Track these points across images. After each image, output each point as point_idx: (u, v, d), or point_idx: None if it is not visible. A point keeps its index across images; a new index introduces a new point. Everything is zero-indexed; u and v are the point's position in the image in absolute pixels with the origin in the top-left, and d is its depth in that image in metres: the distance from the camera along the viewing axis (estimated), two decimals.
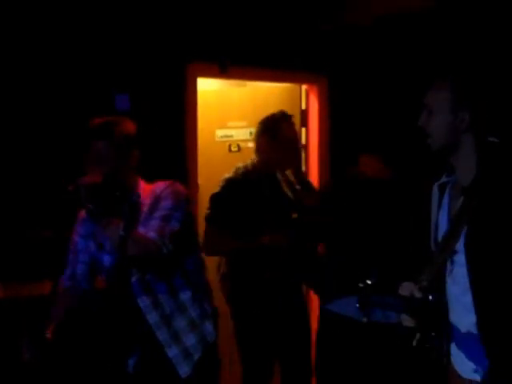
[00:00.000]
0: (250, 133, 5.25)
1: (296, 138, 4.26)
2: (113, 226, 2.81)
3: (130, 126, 2.99)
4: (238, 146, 5.30)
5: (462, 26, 4.81)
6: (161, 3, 4.51)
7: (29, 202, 4.05)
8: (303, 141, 5.23)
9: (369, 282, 2.20)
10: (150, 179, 3.09)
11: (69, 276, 3.08)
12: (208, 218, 4.12)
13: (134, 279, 2.94)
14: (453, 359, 2.31)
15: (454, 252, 2.23)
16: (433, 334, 2.18)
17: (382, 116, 5.12)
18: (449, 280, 2.28)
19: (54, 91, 4.20)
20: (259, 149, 4.19)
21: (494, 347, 2.15)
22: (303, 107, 5.30)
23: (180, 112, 4.66)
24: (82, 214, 3.01)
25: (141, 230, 2.86)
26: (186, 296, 2.98)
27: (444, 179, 2.40)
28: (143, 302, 2.93)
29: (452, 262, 2.25)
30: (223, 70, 4.76)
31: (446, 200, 2.37)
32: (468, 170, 2.25)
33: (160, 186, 2.99)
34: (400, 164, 4.70)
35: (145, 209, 2.94)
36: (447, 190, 2.38)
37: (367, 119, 5.12)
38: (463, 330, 2.24)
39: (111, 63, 4.37)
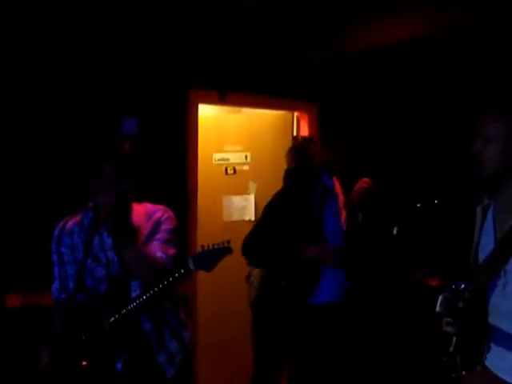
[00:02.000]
0: (246, 157, 5.56)
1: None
2: (132, 247, 3.01)
3: (127, 147, 3.19)
4: (234, 168, 5.56)
5: (450, 53, 5.09)
6: (165, 33, 4.74)
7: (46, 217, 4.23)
8: None
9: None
10: (152, 200, 3.29)
11: (60, 288, 3.22)
12: (257, 227, 4.39)
13: (133, 292, 3.10)
14: (489, 362, 2.43)
15: (505, 271, 2.36)
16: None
17: (371, 142, 5.39)
18: (498, 294, 2.39)
19: (65, 115, 4.38)
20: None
21: None
22: (295, 133, 5.56)
23: (182, 136, 4.89)
24: (70, 224, 3.18)
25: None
26: (167, 307, 3.25)
27: (486, 202, 2.53)
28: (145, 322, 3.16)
29: (505, 278, 2.37)
30: (222, 97, 5.05)
31: (489, 222, 2.49)
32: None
33: (155, 209, 3.21)
34: (389, 185, 5.01)
35: (145, 231, 3.12)
36: (489, 212, 2.50)
37: (356, 145, 5.39)
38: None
39: (120, 89, 4.58)
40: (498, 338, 2.40)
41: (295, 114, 5.58)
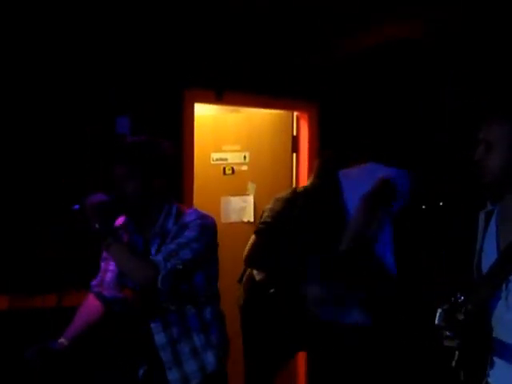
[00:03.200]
0: (244, 157, 5.49)
1: None
2: (116, 248, 2.86)
3: (164, 150, 3.00)
4: (232, 168, 5.49)
5: (450, 53, 5.01)
6: (161, 32, 4.69)
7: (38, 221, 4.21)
8: (294, 166, 5.46)
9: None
10: None
11: (97, 283, 3.12)
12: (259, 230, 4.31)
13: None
14: (492, 378, 2.37)
15: (508, 282, 2.27)
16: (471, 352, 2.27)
17: (371, 142, 5.32)
18: (501, 306, 2.32)
19: (58, 114, 4.35)
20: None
21: None
22: (294, 133, 5.49)
23: (178, 136, 4.81)
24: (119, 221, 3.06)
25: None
26: (194, 324, 2.98)
27: (489, 207, 2.45)
28: (154, 322, 2.96)
29: (507, 290, 2.29)
30: (219, 96, 4.98)
31: (492, 228, 2.41)
32: None
33: (191, 214, 2.97)
34: None
35: (171, 234, 2.94)
36: (493, 219, 2.41)
37: (356, 145, 5.32)
38: None
39: (114, 87, 4.53)
40: (501, 351, 2.33)
41: (295, 113, 5.51)
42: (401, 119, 5.31)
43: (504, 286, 2.28)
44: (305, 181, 5.39)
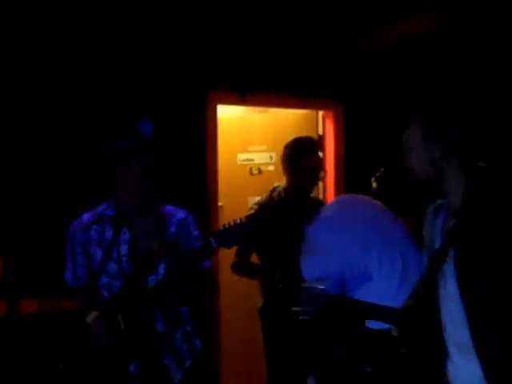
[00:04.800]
0: (270, 157, 5.51)
1: (317, 167, 4.33)
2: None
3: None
4: (259, 169, 5.54)
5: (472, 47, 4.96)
6: (185, 34, 4.75)
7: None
8: None
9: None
10: (173, 202, 3.36)
11: (74, 279, 3.29)
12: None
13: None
14: (451, 373, 2.34)
15: (443, 271, 2.29)
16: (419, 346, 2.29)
17: (396, 141, 5.29)
18: (442, 293, 2.32)
19: (82, 118, 4.43)
20: (284, 173, 4.38)
21: (487, 359, 2.20)
22: (320, 132, 5.51)
23: (201, 137, 4.88)
24: (86, 220, 3.24)
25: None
26: (185, 312, 3.28)
27: (438, 201, 2.48)
28: (157, 313, 3.16)
29: (444, 278, 2.30)
30: (242, 97, 5.02)
31: (439, 222, 2.44)
32: (458, 195, 2.32)
33: (176, 209, 3.31)
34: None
35: (169, 230, 3.22)
36: (441, 212, 2.45)
37: (381, 144, 5.30)
38: (462, 340, 2.27)
39: (137, 91, 4.60)
40: (451, 340, 2.32)
41: (320, 113, 5.51)
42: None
43: (441, 274, 2.30)
44: (330, 179, 5.42)
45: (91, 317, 3.10)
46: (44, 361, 3.94)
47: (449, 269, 2.27)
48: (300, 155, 4.20)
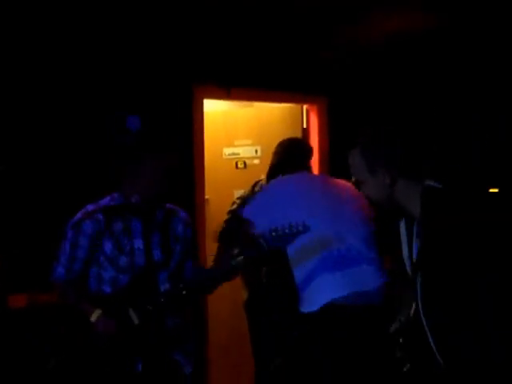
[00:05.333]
0: (256, 151, 5.56)
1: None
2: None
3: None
4: (245, 162, 5.59)
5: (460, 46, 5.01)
6: (170, 28, 4.77)
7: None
8: None
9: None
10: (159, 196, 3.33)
11: (66, 273, 3.20)
12: (219, 234, 4.43)
13: (162, 284, 3.13)
14: None
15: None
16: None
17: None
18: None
19: (70, 113, 4.44)
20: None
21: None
22: (304, 126, 5.56)
23: (188, 132, 4.91)
24: (91, 212, 3.15)
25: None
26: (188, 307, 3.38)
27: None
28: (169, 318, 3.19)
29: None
30: (228, 92, 5.06)
31: (415, 237, 2.41)
32: (416, 214, 2.30)
33: (179, 209, 3.33)
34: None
35: (176, 229, 3.26)
36: (414, 227, 2.40)
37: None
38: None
39: (123, 86, 4.63)
40: None
41: (304, 106, 5.57)
42: (411, 113, 5.35)
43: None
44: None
45: (95, 315, 3.03)
46: (36, 357, 4.00)
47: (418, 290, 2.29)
48: (292, 156, 4.20)
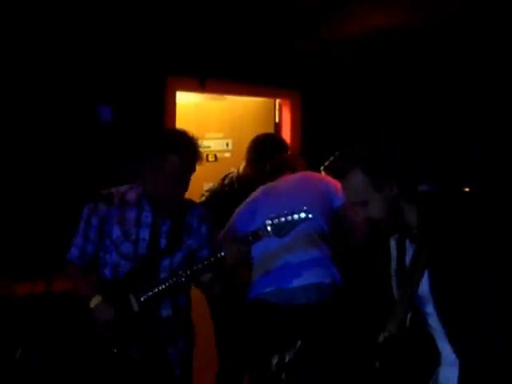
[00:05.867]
0: (227, 144, 5.54)
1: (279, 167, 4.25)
2: None
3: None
4: (215, 156, 5.55)
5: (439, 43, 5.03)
6: (143, 20, 4.71)
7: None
8: None
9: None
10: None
11: (80, 256, 3.23)
12: None
13: (163, 273, 3.14)
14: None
15: (419, 297, 2.29)
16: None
17: (352, 129, 5.37)
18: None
19: (41, 103, 4.39)
20: (245, 163, 4.43)
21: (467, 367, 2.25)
22: (277, 120, 5.55)
23: (160, 123, 4.87)
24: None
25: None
26: (182, 303, 3.24)
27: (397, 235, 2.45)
28: (164, 306, 3.16)
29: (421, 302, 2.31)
30: (201, 84, 5.02)
31: (409, 249, 2.38)
32: (414, 222, 2.28)
33: (197, 205, 3.37)
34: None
35: (192, 225, 3.23)
36: (407, 243, 2.39)
37: (337, 132, 5.38)
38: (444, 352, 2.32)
39: (96, 77, 4.58)
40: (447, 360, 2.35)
41: (277, 101, 5.55)
42: (384, 107, 5.37)
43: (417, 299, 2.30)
44: None
45: (94, 301, 3.07)
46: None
47: (424, 292, 2.27)
48: (268, 153, 4.20)
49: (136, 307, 3.05)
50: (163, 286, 3.05)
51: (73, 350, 3.12)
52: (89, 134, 4.54)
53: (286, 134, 5.50)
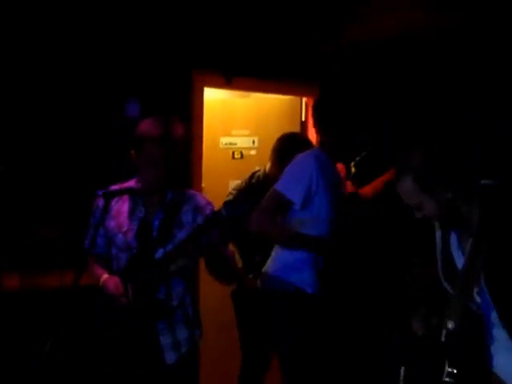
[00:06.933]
0: (253, 141, 5.54)
1: None
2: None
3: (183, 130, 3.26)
4: (241, 153, 5.56)
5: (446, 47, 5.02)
6: (172, 16, 4.74)
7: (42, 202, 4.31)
8: None
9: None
10: None
11: (90, 246, 3.27)
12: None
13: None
14: (499, 369, 2.39)
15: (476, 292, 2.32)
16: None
17: (378, 128, 5.35)
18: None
19: (69, 98, 4.41)
20: (270, 161, 4.48)
21: None
22: (303, 119, 5.55)
23: (187, 119, 4.79)
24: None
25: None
26: (187, 296, 3.26)
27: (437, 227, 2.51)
28: (160, 291, 3.15)
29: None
30: (228, 80, 5.03)
31: (454, 241, 2.47)
32: (475, 217, 2.31)
33: (201, 198, 3.32)
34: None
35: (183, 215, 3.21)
36: (453, 237, 2.46)
37: (362, 130, 5.34)
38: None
39: (125, 73, 4.60)
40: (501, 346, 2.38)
41: (304, 99, 5.54)
42: (408, 107, 5.34)
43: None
44: None
45: (103, 277, 3.15)
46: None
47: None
48: (292, 152, 4.13)
49: (130, 295, 3.07)
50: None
51: (72, 350, 3.14)
52: (116, 130, 4.55)
53: (312, 133, 5.45)
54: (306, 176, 3.62)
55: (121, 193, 3.16)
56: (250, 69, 5.14)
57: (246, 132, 5.54)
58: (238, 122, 5.57)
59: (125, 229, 3.21)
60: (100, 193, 3.08)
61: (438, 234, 2.51)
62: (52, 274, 4.09)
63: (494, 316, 2.33)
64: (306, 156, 3.76)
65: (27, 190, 4.27)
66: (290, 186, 3.63)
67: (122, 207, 3.25)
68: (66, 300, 2.96)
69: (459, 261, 2.44)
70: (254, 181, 4.57)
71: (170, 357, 3.19)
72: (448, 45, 5.06)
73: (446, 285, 2.52)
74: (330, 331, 3.89)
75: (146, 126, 3.14)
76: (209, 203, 3.27)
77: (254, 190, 4.41)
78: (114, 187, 3.23)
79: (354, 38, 5.30)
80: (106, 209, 3.06)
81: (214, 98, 5.49)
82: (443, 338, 2.25)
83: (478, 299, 2.35)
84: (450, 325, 2.24)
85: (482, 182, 2.37)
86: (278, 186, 3.64)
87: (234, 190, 4.70)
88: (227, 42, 5.02)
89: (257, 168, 4.80)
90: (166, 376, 3.21)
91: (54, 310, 3.12)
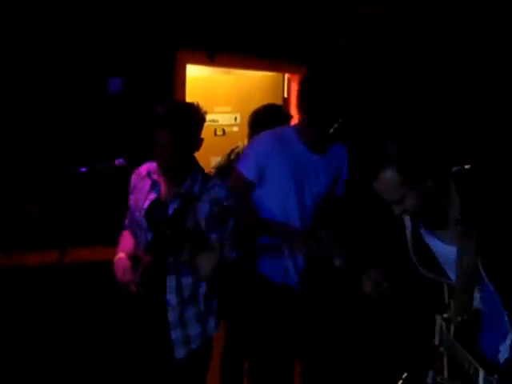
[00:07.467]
0: (235, 118, 5.54)
1: None
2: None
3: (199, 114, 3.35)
4: (223, 130, 5.57)
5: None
6: None
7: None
8: None
9: None
10: (139, 161, 3.35)
11: (128, 222, 3.38)
12: None
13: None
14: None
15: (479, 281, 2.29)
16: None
17: (359, 106, 5.36)
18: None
19: (50, 76, 4.38)
20: (247, 137, 4.43)
21: None
22: (285, 95, 5.55)
23: (169, 97, 4.83)
24: (143, 170, 3.27)
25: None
26: (201, 290, 3.17)
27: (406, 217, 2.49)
28: (170, 281, 3.11)
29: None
30: (211, 57, 5.01)
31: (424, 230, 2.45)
32: (456, 204, 2.31)
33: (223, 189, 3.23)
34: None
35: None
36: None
37: (345, 107, 5.35)
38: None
39: (106, 49, 4.56)
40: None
41: (286, 75, 5.54)
42: (390, 88, 5.36)
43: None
44: None
45: (116, 257, 3.18)
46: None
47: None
48: (265, 123, 4.14)
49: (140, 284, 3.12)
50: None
51: (73, 350, 3.14)
52: (97, 106, 4.53)
53: (295, 109, 5.48)
54: (253, 151, 3.65)
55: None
56: (232, 45, 5.11)
57: (228, 109, 5.55)
58: (220, 99, 5.57)
59: (140, 205, 3.21)
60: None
61: (408, 222, 2.48)
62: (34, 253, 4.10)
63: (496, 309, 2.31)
64: (265, 132, 3.74)
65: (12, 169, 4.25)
66: (245, 163, 3.65)
67: (144, 186, 3.24)
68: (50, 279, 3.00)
69: (437, 247, 2.44)
70: (232, 157, 4.56)
71: (179, 352, 3.16)
72: (448, 45, 5.09)
73: (422, 270, 2.49)
74: (322, 328, 3.96)
75: (160, 112, 3.14)
76: (229, 197, 3.16)
77: (233, 166, 4.40)
78: (145, 166, 3.27)
79: (336, 16, 5.30)
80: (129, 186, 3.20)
81: (195, 75, 5.46)
82: (451, 333, 2.28)
83: (478, 294, 2.34)
84: (459, 319, 2.26)
85: (454, 168, 2.36)
86: (238, 165, 3.67)
87: (214, 168, 4.68)
88: (209, 18, 4.98)
89: (238, 144, 4.80)
90: (173, 370, 3.19)
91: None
